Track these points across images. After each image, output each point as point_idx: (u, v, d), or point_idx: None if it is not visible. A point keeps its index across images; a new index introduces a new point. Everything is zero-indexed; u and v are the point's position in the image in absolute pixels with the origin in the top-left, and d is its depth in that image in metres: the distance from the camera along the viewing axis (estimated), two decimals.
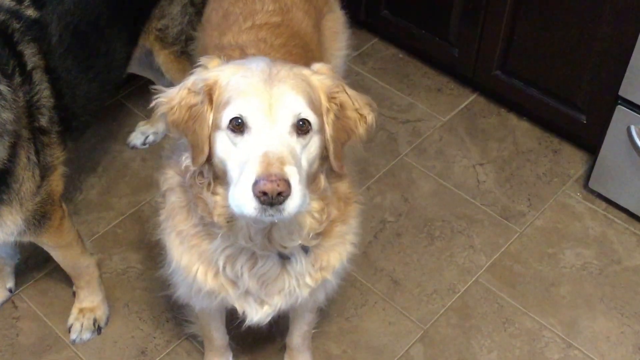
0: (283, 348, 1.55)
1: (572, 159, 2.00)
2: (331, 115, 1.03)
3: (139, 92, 2.20)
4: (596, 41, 1.74)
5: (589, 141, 1.94)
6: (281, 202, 0.91)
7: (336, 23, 1.56)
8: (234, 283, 1.16)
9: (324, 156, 1.04)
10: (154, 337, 1.62)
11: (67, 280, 1.65)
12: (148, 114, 2.12)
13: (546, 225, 1.85)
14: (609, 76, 1.73)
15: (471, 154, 2.04)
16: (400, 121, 2.12)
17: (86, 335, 1.62)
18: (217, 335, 1.47)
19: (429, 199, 1.92)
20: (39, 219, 1.38)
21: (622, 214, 1.85)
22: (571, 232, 1.83)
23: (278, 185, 0.89)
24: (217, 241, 1.11)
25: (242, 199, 0.92)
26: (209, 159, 1.02)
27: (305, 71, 1.04)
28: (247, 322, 1.23)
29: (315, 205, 1.06)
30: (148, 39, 1.68)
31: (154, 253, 1.80)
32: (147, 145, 2.05)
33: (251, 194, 0.91)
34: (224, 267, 1.13)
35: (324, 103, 1.03)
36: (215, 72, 1.02)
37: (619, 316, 1.65)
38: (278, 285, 1.16)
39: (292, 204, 0.92)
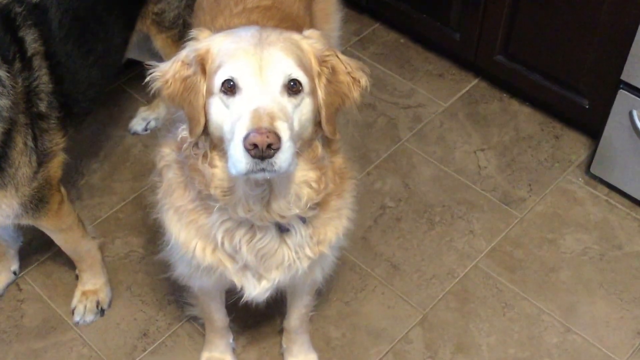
0: (282, 331, 1.56)
1: (574, 144, 1.98)
2: (323, 79, 1.03)
3: (139, 78, 2.17)
4: (598, 25, 1.71)
5: (591, 126, 1.91)
6: (271, 156, 0.91)
7: (328, 4, 1.54)
8: (232, 257, 1.16)
9: (317, 121, 1.04)
10: (156, 320, 1.64)
11: (70, 263, 1.67)
12: (149, 100, 2.11)
13: (547, 210, 1.83)
14: (611, 60, 1.71)
15: (472, 140, 2.02)
16: (401, 107, 2.10)
17: (89, 317, 1.63)
18: (218, 317, 1.48)
19: (430, 184, 1.91)
20: (37, 203, 1.39)
21: (624, 199, 1.83)
22: (572, 217, 1.82)
23: (267, 137, 0.90)
24: (214, 215, 1.11)
25: (235, 156, 0.93)
26: (205, 129, 1.03)
27: (295, 35, 1.04)
28: (245, 298, 1.24)
29: (312, 174, 1.06)
30: (145, 24, 1.68)
31: (155, 237, 1.81)
32: (148, 131, 2.05)
33: (242, 148, 0.92)
34: (222, 242, 1.13)
35: (315, 67, 1.02)
36: (207, 41, 1.03)
37: (618, 301, 1.64)
38: (277, 258, 1.16)
39: (283, 157, 0.93)
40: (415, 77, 2.17)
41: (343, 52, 1.60)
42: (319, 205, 1.12)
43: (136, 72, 2.18)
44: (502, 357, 1.56)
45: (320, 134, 1.06)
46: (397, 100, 2.12)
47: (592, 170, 1.87)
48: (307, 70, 1.01)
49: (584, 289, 1.67)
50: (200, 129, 1.02)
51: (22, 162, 1.32)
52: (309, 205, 1.08)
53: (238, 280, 1.20)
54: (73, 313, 1.64)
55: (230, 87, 0.97)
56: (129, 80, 2.19)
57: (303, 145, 1.02)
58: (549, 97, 1.96)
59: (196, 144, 1.05)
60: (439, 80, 2.16)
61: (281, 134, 0.92)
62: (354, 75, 1.06)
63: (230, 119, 0.97)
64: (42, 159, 1.37)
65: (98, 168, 1.97)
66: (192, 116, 1.02)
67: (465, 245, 1.77)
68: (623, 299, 1.65)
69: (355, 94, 1.07)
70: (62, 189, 1.50)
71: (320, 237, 1.17)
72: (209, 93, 1.01)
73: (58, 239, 1.56)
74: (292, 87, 0.97)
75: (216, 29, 1.26)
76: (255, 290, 1.21)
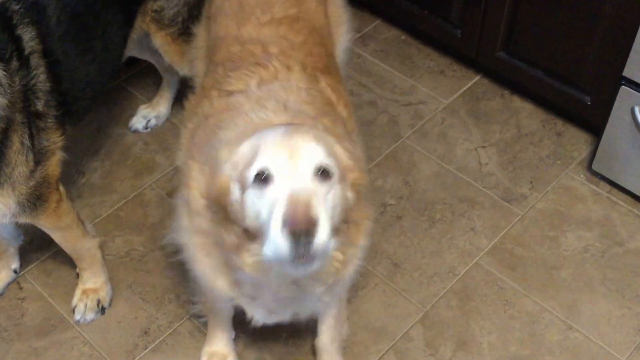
0: (314, 352, 1.51)
1: (576, 141, 1.98)
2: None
3: (140, 75, 2.20)
4: (600, 21, 1.71)
5: (593, 123, 1.91)
6: (311, 235, 0.93)
7: (339, 7, 1.55)
8: (253, 298, 1.22)
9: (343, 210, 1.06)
10: (157, 318, 1.65)
11: (71, 261, 1.67)
12: (150, 98, 2.12)
13: (548, 207, 1.83)
14: (613, 56, 1.71)
15: (473, 137, 2.02)
16: (402, 104, 2.10)
17: (90, 316, 1.64)
18: (222, 312, 1.49)
19: (431, 181, 1.91)
20: (35, 201, 1.39)
21: (626, 196, 1.83)
22: (574, 214, 1.82)
23: (305, 217, 0.92)
24: (242, 274, 1.13)
25: (274, 243, 0.95)
26: (243, 224, 1.04)
27: (330, 137, 1.08)
28: (254, 324, 1.29)
29: (339, 255, 1.09)
30: (144, 21, 1.68)
31: (156, 235, 1.82)
32: (148, 129, 2.06)
33: (281, 234, 0.93)
34: (246, 292, 1.19)
35: (342, 170, 1.04)
36: (223, 173, 1.05)
37: (620, 298, 1.64)
38: (293, 303, 1.22)
39: (322, 236, 0.94)
40: (416, 74, 2.17)
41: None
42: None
43: (137, 70, 2.19)
44: (503, 354, 1.57)
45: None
46: (398, 98, 2.12)
47: (594, 167, 1.87)
48: (337, 162, 1.03)
49: (586, 287, 1.67)
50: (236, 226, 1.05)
51: (18, 161, 1.32)
52: (331, 281, 1.12)
53: (250, 311, 1.25)
54: (74, 311, 1.65)
55: (263, 179, 0.99)
56: (129, 78, 2.19)
57: (334, 234, 1.03)
58: (551, 94, 1.96)
59: (234, 238, 1.07)
60: (440, 77, 2.16)
61: (318, 211, 0.94)
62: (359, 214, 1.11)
63: (266, 208, 0.98)
64: (39, 157, 1.37)
65: (98, 166, 1.98)
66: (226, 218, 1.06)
67: (467, 242, 1.77)
68: (625, 296, 1.65)
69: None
70: (61, 188, 1.50)
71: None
72: (243, 188, 1.02)
73: (57, 237, 1.57)
74: (323, 174, 0.99)
75: (244, 38, 1.29)
76: (266, 320, 1.27)
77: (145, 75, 2.18)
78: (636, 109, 1.67)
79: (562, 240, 1.77)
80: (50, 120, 1.39)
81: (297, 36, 1.30)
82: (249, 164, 1.01)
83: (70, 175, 1.91)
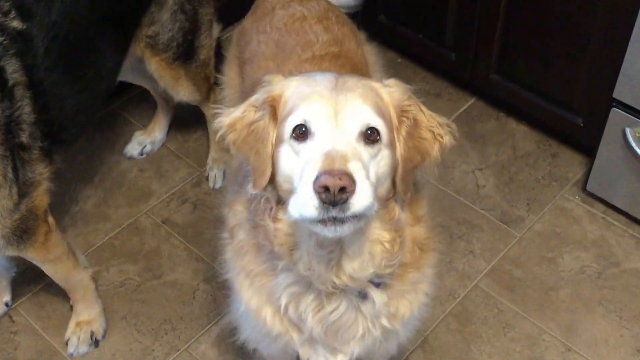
0: None
1: (571, 162, 2.11)
2: (403, 133, 0.99)
3: (135, 101, 2.28)
4: (589, 44, 1.84)
5: (586, 144, 2.04)
6: (345, 201, 0.86)
7: (373, 54, 1.60)
8: (298, 327, 1.12)
9: (394, 179, 1.00)
10: (152, 350, 1.70)
11: (64, 293, 1.72)
12: (145, 124, 2.20)
13: (545, 229, 1.95)
14: (603, 79, 1.83)
15: (470, 159, 2.13)
16: None
17: (83, 349, 1.68)
18: None
19: (429, 204, 2.00)
20: (21, 234, 1.41)
21: (621, 216, 1.95)
22: (570, 235, 1.93)
23: (340, 179, 0.85)
24: (280, 276, 1.07)
25: (301, 199, 0.88)
26: (272, 181, 1.00)
27: (375, 83, 1.02)
28: None
29: (386, 235, 1.01)
30: (139, 47, 1.72)
31: (151, 265, 1.89)
32: (144, 155, 2.13)
33: (312, 190, 0.86)
34: (287, 308, 1.09)
35: (394, 119, 0.99)
36: (280, 84, 1.01)
37: (617, 319, 1.75)
38: (351, 330, 1.11)
39: (358, 202, 0.86)
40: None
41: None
42: (394, 277, 1.07)
43: (131, 96, 2.27)
44: None
45: (397, 195, 1.02)
46: None
47: (588, 188, 1.99)
48: (386, 120, 0.97)
49: (584, 308, 1.78)
50: (265, 180, 0.98)
51: (1, 195, 1.33)
52: (384, 263, 1.02)
53: (304, 353, 1.15)
54: (67, 345, 1.69)
55: (301, 133, 0.94)
56: (124, 103, 2.27)
57: (379, 204, 0.95)
58: (545, 116, 2.09)
59: (267, 199, 1.02)
60: (436, 100, 2.28)
61: (355, 175, 0.87)
62: (436, 131, 1.01)
63: (300, 166, 0.92)
64: (24, 190, 1.39)
65: (92, 194, 2.04)
66: (258, 166, 0.99)
67: (465, 265, 1.87)
68: (622, 316, 1.76)
69: (436, 151, 1.01)
70: (50, 219, 1.51)
71: (392, 310, 1.12)
72: (279, 141, 0.98)
73: (48, 269, 1.60)
74: (370, 136, 0.93)
75: (285, 74, 1.27)
76: None
77: (140, 101, 2.26)
78: (627, 130, 1.79)
79: (559, 261, 1.88)
80: (35, 151, 1.41)
81: (341, 70, 1.29)
82: (289, 112, 0.95)
83: (63, 203, 1.97)
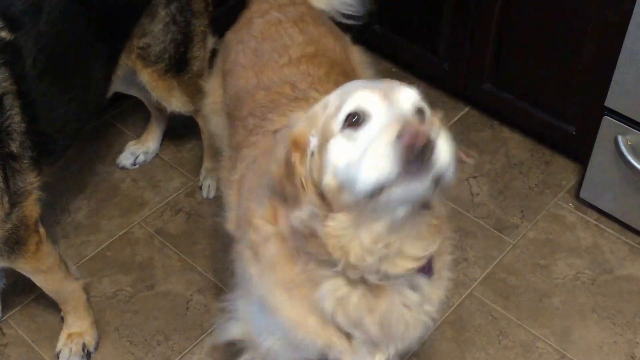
0: None
1: (564, 170, 2.16)
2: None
3: (128, 111, 2.32)
4: (581, 53, 1.90)
5: (579, 152, 2.09)
6: (429, 157, 0.84)
7: (360, 54, 1.62)
8: (347, 333, 1.10)
9: None
10: None
11: (55, 305, 1.74)
12: (138, 134, 2.24)
13: (539, 236, 1.99)
14: (595, 88, 1.88)
15: (464, 167, 2.16)
16: None
17: None
18: None
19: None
20: (12, 245, 1.43)
21: (614, 223, 2.00)
22: (563, 242, 1.98)
23: (423, 135, 0.83)
24: (326, 284, 1.05)
25: (371, 164, 0.86)
26: (317, 192, 0.98)
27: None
28: None
29: (434, 220, 1.04)
30: (130, 58, 1.74)
31: (144, 275, 1.91)
32: (137, 166, 2.16)
33: (390, 152, 0.84)
34: (334, 314, 1.07)
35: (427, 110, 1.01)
36: (305, 118, 1.02)
37: (611, 325, 1.79)
38: (402, 323, 1.10)
39: (442, 157, 0.86)
40: None
41: None
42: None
43: (124, 106, 2.31)
44: None
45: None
46: None
47: (581, 195, 2.04)
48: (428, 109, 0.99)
49: (578, 314, 1.82)
50: (304, 197, 0.98)
51: None
52: (438, 241, 1.04)
53: (347, 357, 1.13)
54: (58, 357, 1.70)
55: (355, 121, 0.92)
56: (117, 114, 2.31)
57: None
58: (538, 124, 2.14)
59: (313, 214, 0.99)
60: (431, 109, 2.33)
61: (433, 134, 0.85)
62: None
63: (359, 149, 0.90)
64: (14, 199, 1.40)
65: (84, 204, 2.07)
66: (291, 193, 0.99)
67: (460, 273, 1.91)
68: (616, 323, 1.80)
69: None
70: (41, 229, 1.52)
71: (427, 297, 1.13)
72: (325, 140, 0.96)
73: (39, 281, 1.60)
74: (420, 116, 0.96)
75: (265, 83, 1.33)
76: None
77: (133, 111, 2.30)
78: (619, 138, 1.84)
79: (553, 269, 1.92)
80: (25, 161, 1.43)
81: (319, 70, 1.32)
82: (335, 110, 0.95)
83: (55, 214, 2.00)
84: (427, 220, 1.03)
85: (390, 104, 0.94)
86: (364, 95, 0.95)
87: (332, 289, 1.07)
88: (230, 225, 1.35)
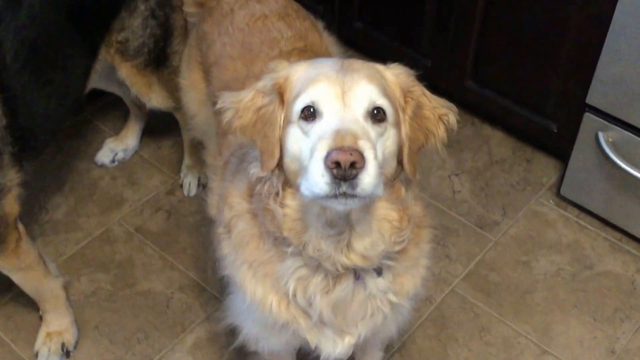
0: None
1: (545, 167, 2.21)
2: (408, 113, 1.05)
3: (106, 108, 2.33)
4: (563, 51, 1.94)
5: (560, 149, 2.14)
6: (354, 176, 0.91)
7: (331, 43, 1.66)
8: (306, 312, 1.16)
9: (399, 159, 1.06)
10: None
11: (33, 303, 1.75)
12: (117, 131, 2.25)
13: (520, 233, 2.04)
14: (576, 85, 1.93)
15: (446, 165, 2.23)
16: None
17: None
18: None
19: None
20: None
21: (594, 220, 2.06)
22: (544, 239, 2.03)
23: (351, 155, 0.90)
24: (287, 261, 1.11)
25: (313, 178, 0.93)
26: (279, 164, 1.05)
27: (379, 65, 1.08)
28: (324, 359, 1.23)
29: (394, 214, 1.07)
30: (109, 52, 1.76)
31: (124, 274, 1.93)
32: (115, 163, 2.17)
33: (323, 167, 0.91)
34: (294, 292, 1.13)
35: (400, 99, 1.05)
36: (286, 70, 1.07)
37: (591, 321, 1.84)
38: (358, 309, 1.16)
39: (368, 179, 0.91)
40: None
41: None
42: (397, 254, 1.13)
43: (103, 103, 2.32)
44: None
45: (402, 175, 1.08)
46: None
47: (562, 192, 2.09)
48: (391, 100, 1.03)
49: (559, 310, 1.87)
50: (274, 162, 1.03)
51: None
52: (393, 239, 1.08)
53: (312, 338, 1.19)
54: (37, 356, 1.71)
55: (310, 114, 0.99)
56: (95, 111, 2.31)
57: (385, 184, 1.00)
58: (519, 122, 2.19)
59: (271, 182, 1.07)
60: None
61: (365, 153, 0.92)
62: (440, 111, 1.09)
63: (309, 146, 0.97)
64: None
65: (63, 202, 2.08)
66: (266, 149, 1.04)
67: (442, 270, 1.95)
68: (596, 318, 1.85)
69: (441, 131, 1.09)
70: (21, 226, 1.54)
71: (397, 287, 1.18)
72: (286, 123, 1.03)
73: (17, 278, 1.62)
74: (376, 115, 0.99)
75: (255, 73, 1.35)
76: (337, 348, 1.20)
77: (112, 108, 2.31)
78: (600, 134, 1.88)
79: (534, 265, 1.97)
80: (6, 157, 1.44)
81: None
82: (297, 94, 1.00)
83: (33, 212, 2.00)
84: (383, 215, 1.07)
85: (343, 105, 0.99)
86: (321, 89, 1.00)
87: (294, 267, 1.12)
88: (212, 210, 1.38)
